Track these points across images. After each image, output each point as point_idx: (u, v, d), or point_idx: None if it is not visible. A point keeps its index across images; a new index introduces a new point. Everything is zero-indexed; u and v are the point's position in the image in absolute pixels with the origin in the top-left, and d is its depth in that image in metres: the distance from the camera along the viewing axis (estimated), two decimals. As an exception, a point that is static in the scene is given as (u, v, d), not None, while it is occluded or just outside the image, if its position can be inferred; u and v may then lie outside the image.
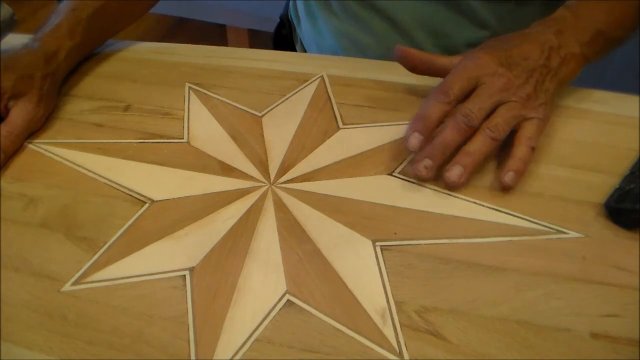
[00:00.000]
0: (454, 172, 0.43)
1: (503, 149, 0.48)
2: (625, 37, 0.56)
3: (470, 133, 0.44)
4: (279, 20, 0.89)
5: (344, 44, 0.74)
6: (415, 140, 0.43)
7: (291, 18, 0.85)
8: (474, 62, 0.47)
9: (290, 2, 0.85)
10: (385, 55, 0.64)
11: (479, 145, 0.43)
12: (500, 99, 0.45)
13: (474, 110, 0.44)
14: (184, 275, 0.43)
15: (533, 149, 0.45)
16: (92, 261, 0.44)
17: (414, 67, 0.54)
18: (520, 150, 0.45)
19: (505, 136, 0.45)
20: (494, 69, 0.46)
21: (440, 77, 0.51)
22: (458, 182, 0.43)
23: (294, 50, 0.86)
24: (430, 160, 0.42)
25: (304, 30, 0.81)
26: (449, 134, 0.43)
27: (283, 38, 0.88)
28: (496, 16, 0.67)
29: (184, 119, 0.57)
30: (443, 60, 0.53)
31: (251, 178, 0.51)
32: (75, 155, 0.54)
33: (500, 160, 0.48)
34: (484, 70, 0.46)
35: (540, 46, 0.49)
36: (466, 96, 0.46)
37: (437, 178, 0.46)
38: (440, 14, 0.67)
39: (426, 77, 0.55)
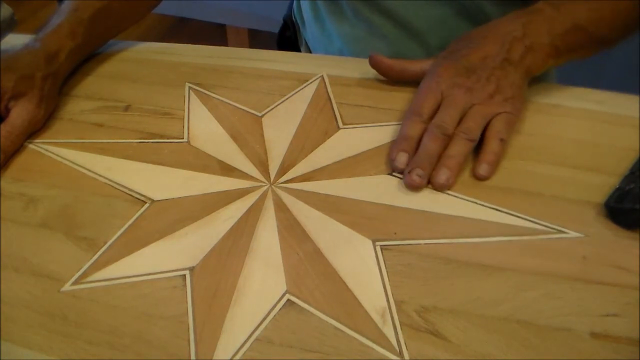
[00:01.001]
0: (442, 175, 0.47)
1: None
2: (616, 37, 0.56)
3: (447, 141, 0.48)
4: (282, 21, 0.88)
5: (354, 48, 0.73)
6: (402, 158, 0.48)
7: (295, 20, 0.85)
8: (434, 79, 0.52)
9: (294, 3, 0.84)
10: None
11: (457, 147, 0.48)
12: (465, 105, 0.50)
13: (446, 120, 0.49)
14: (184, 275, 0.43)
15: (502, 140, 0.49)
16: (92, 261, 0.44)
17: (386, 74, 0.58)
18: (490, 144, 0.49)
19: (479, 136, 0.49)
20: (453, 81, 0.51)
21: (413, 81, 0.56)
22: (447, 184, 0.47)
23: (298, 52, 0.86)
24: (420, 169, 0.46)
25: (310, 33, 0.80)
26: (429, 145, 0.48)
27: (287, 40, 0.87)
28: None
29: (184, 119, 0.57)
30: (414, 67, 0.57)
31: (251, 178, 0.51)
32: (75, 155, 0.54)
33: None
34: (444, 84, 0.51)
35: (501, 39, 0.52)
36: (435, 111, 0.51)
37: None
38: (451, 18, 0.67)
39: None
